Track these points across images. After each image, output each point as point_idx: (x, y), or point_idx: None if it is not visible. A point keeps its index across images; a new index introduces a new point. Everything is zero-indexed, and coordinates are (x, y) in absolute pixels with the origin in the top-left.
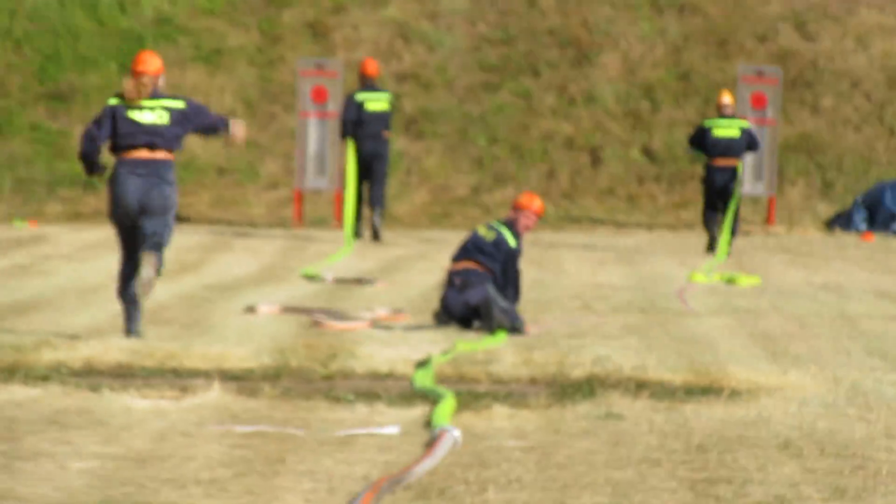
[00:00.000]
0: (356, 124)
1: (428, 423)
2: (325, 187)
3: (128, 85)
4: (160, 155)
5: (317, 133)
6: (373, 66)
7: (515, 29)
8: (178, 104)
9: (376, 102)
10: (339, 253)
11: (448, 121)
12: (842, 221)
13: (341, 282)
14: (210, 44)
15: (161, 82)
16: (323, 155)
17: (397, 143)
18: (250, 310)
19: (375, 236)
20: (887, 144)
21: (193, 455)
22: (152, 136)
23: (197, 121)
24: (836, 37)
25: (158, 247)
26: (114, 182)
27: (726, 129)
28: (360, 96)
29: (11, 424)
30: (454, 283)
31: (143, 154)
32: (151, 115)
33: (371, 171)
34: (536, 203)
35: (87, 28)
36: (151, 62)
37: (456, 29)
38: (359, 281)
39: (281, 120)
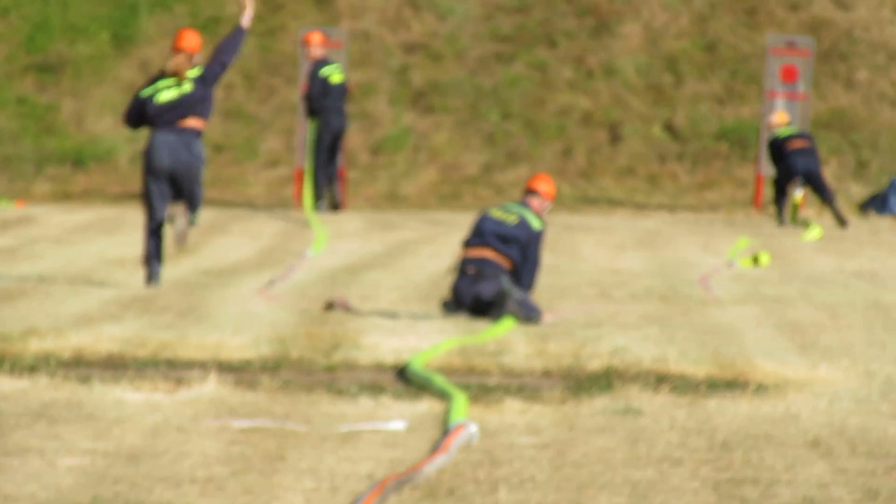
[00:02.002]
0: (322, 98)
1: (437, 418)
2: None
3: (172, 61)
4: (191, 123)
5: None
6: (319, 39)
7: None
8: (197, 72)
9: (338, 74)
10: (320, 239)
11: (458, 94)
12: (876, 204)
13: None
14: (207, 11)
15: (198, 59)
16: None
17: (404, 118)
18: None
19: (336, 207)
20: None
21: (189, 451)
22: (183, 109)
23: (214, 69)
24: (872, 5)
25: (192, 205)
26: (149, 147)
27: (791, 128)
28: (325, 70)
29: None
30: (467, 271)
31: (175, 126)
32: (182, 88)
33: (336, 145)
34: (551, 187)
35: None
36: (192, 39)
37: None
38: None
39: (282, 93)
